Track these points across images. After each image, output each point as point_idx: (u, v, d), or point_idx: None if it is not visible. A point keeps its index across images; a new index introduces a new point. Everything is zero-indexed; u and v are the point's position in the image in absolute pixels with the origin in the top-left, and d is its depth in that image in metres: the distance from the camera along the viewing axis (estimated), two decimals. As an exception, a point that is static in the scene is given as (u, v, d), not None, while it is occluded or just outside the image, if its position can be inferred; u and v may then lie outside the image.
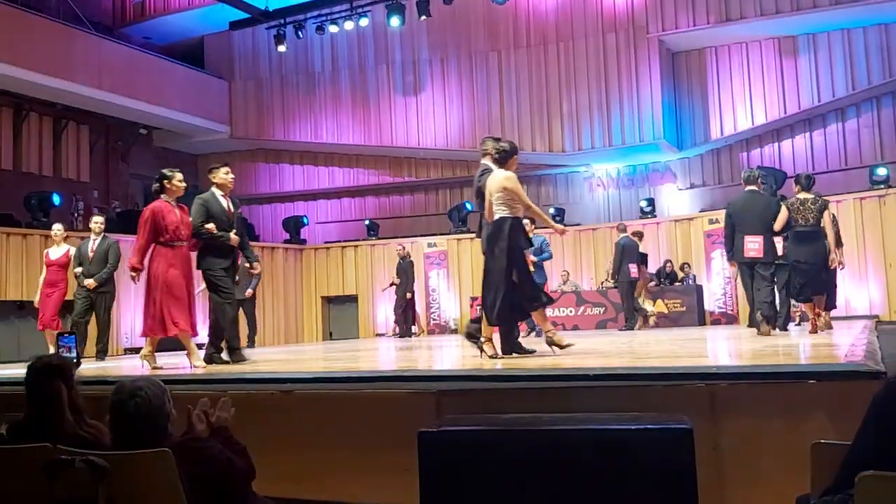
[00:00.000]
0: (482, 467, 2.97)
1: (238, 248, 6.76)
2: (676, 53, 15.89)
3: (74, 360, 6.73)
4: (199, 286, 7.01)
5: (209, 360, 6.51)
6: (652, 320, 12.35)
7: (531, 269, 6.08)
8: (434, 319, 15.61)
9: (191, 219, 6.49)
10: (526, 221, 6.16)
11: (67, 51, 14.23)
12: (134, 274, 6.44)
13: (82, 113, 15.57)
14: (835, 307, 8.86)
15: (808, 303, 7.93)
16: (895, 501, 1.67)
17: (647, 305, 12.43)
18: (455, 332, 15.24)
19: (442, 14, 15.72)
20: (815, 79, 14.60)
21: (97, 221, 9.28)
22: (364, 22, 16.20)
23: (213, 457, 2.68)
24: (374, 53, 17.34)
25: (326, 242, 17.44)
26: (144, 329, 6.48)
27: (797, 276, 7.88)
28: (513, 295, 5.55)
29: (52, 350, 8.44)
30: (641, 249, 12.15)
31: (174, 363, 6.72)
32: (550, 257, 10.74)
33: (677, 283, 13.49)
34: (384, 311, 15.83)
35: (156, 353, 6.62)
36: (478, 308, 10.59)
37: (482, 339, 5.72)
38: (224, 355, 6.64)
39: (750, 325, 8.74)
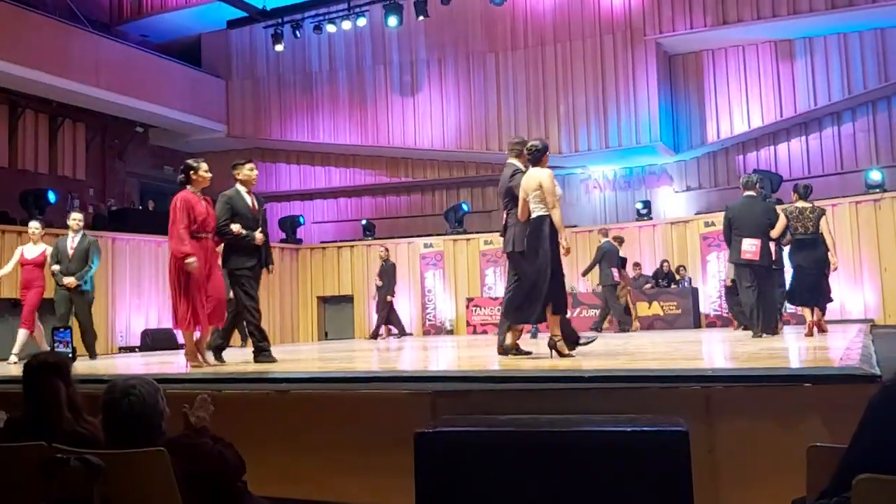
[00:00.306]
0: (478, 468, 2.97)
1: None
2: (673, 56, 15.92)
3: (70, 356, 6.73)
4: None
5: (258, 359, 6.39)
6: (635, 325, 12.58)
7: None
8: (430, 320, 15.60)
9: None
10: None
11: (64, 48, 14.20)
12: (191, 259, 6.10)
13: (78, 110, 15.54)
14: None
15: (807, 306, 8.13)
16: (891, 505, 1.67)
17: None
18: (451, 332, 15.25)
19: (440, 15, 15.72)
20: (812, 82, 14.64)
21: (75, 218, 8.89)
22: (362, 22, 16.20)
23: (207, 453, 2.68)
24: (372, 53, 17.34)
25: (322, 242, 17.43)
26: (176, 323, 6.31)
27: (799, 280, 8.09)
28: (544, 294, 5.53)
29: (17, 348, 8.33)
30: (622, 254, 12.57)
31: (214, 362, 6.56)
32: None
33: (673, 286, 13.51)
34: (380, 311, 15.82)
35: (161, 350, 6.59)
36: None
37: (555, 339, 5.64)
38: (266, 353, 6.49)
39: (745, 328, 8.82)
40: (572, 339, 5.82)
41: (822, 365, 4.33)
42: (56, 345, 7.14)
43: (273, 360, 6.38)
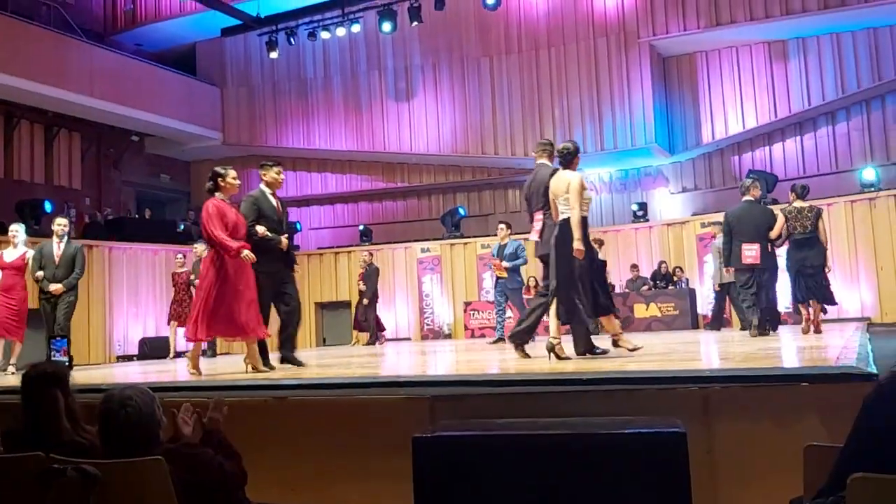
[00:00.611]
0: (476, 473, 2.97)
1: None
2: (667, 58, 15.95)
3: (66, 364, 6.72)
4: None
5: (283, 360, 6.35)
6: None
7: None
8: (427, 325, 15.60)
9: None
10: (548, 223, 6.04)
11: (59, 58, 14.20)
12: (247, 252, 5.97)
13: (74, 120, 15.54)
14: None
15: (804, 304, 8.32)
16: (886, 503, 1.68)
17: None
18: (449, 336, 15.25)
19: (434, 20, 15.75)
20: (806, 83, 14.69)
21: (60, 224, 8.48)
22: (356, 28, 16.23)
23: (206, 463, 2.67)
24: (367, 59, 17.36)
25: (320, 248, 17.42)
26: (189, 333, 6.13)
27: (799, 279, 8.25)
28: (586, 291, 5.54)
29: None
30: (601, 256, 12.49)
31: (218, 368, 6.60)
32: (525, 263, 10.76)
33: (670, 287, 13.53)
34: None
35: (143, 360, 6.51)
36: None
37: (553, 341, 5.64)
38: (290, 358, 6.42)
39: (742, 328, 8.88)
40: (588, 347, 5.81)
41: (818, 364, 4.34)
42: (53, 354, 7.13)
43: (300, 364, 6.35)
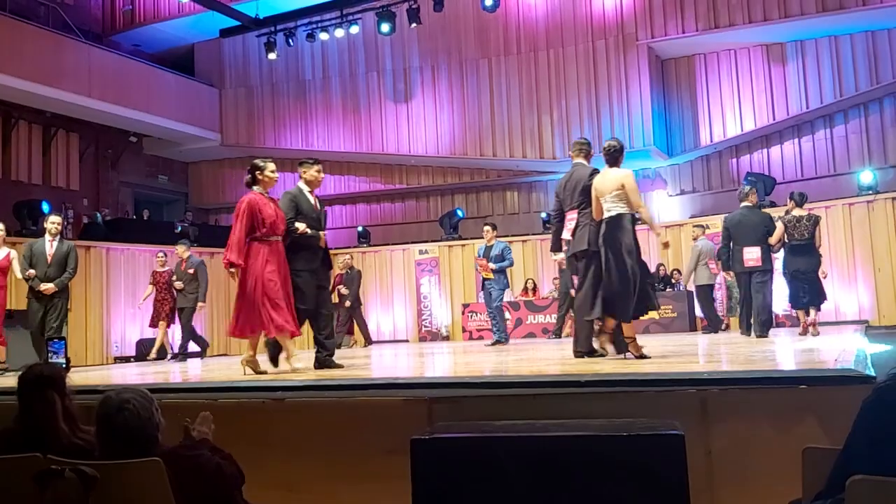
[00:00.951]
0: (475, 475, 2.97)
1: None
2: (666, 60, 15.97)
3: (63, 366, 6.71)
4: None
5: (320, 364, 6.22)
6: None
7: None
8: (426, 326, 15.59)
9: None
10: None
11: (57, 59, 14.19)
12: (234, 270, 5.86)
13: (72, 121, 15.53)
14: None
15: (804, 308, 8.58)
16: (886, 506, 1.68)
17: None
18: (447, 338, 15.24)
19: (432, 22, 15.77)
20: (804, 85, 14.71)
21: (54, 222, 8.30)
22: (354, 29, 16.23)
23: (203, 464, 2.67)
24: (365, 61, 17.36)
25: (318, 250, 17.39)
26: (234, 329, 6.02)
27: (797, 285, 8.52)
28: (638, 287, 5.55)
29: None
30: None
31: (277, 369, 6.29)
32: (511, 265, 10.79)
33: (668, 290, 13.52)
34: (375, 318, 15.82)
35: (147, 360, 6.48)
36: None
37: (627, 340, 5.66)
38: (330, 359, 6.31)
39: (746, 332, 8.97)
40: (620, 348, 5.84)
41: (817, 367, 4.34)
42: (50, 356, 7.12)
43: (338, 366, 6.23)
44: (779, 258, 8.94)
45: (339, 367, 6.22)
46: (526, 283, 14.64)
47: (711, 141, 15.54)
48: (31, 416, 2.89)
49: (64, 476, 2.40)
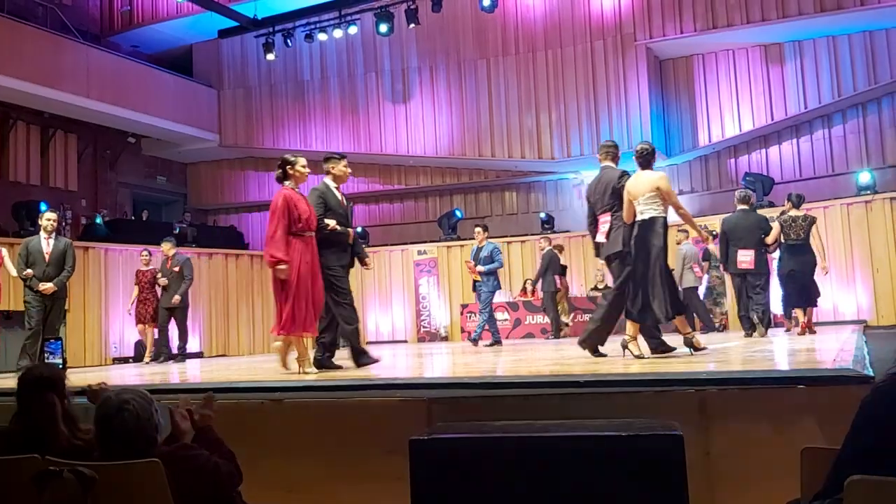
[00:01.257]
0: (474, 475, 2.97)
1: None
2: (664, 60, 15.97)
3: (60, 366, 6.70)
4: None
5: (319, 364, 6.14)
6: (567, 331, 12.73)
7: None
8: (424, 327, 15.59)
9: None
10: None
11: (55, 59, 14.18)
12: (283, 267, 5.73)
13: (70, 121, 15.51)
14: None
15: (800, 308, 8.75)
16: (884, 505, 1.68)
17: (563, 317, 12.93)
18: (446, 339, 15.24)
19: (430, 22, 15.76)
20: (802, 85, 14.71)
21: (49, 218, 8.11)
22: (353, 30, 16.23)
23: (202, 465, 2.67)
24: (363, 61, 17.36)
25: (316, 250, 17.37)
26: (279, 328, 5.90)
27: (790, 284, 8.70)
28: (666, 290, 5.56)
29: None
30: (562, 262, 12.91)
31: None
32: (501, 266, 10.81)
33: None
34: (374, 319, 15.82)
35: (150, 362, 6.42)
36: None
37: (627, 339, 5.66)
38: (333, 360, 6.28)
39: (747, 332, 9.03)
40: (656, 347, 5.87)
41: (815, 367, 4.35)
42: (47, 356, 7.11)
43: (374, 360, 6.25)
44: (776, 259, 9.02)
45: (339, 367, 6.20)
46: (525, 283, 14.64)
47: (710, 141, 15.54)
48: (30, 417, 2.89)
49: (62, 477, 2.40)
